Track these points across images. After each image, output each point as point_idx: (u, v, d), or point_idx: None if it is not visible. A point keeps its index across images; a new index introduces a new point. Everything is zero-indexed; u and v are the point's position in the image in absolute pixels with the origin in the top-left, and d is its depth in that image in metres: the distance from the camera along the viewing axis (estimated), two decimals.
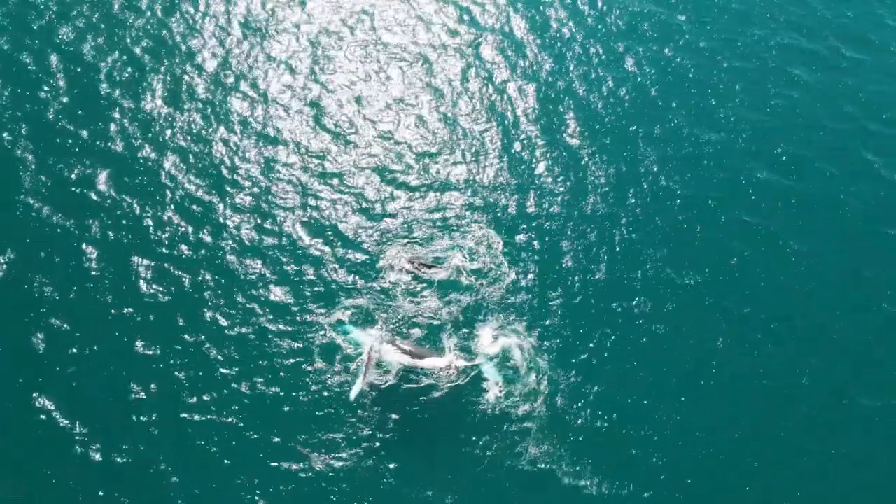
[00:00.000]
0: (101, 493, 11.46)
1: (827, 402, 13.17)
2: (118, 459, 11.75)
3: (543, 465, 12.14)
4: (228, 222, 14.62)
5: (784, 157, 16.50)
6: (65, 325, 12.96)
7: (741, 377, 13.39)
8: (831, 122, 17.15)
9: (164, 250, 14.08)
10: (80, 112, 15.83)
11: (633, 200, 15.66)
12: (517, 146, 16.31)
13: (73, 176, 14.89)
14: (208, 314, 13.35)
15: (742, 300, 14.32)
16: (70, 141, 15.35)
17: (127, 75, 16.58)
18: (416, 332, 13.33)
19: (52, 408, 12.11)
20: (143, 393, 12.41)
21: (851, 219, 15.69)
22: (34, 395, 12.17)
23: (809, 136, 16.95)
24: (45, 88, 16.07)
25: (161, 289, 13.58)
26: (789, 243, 15.17)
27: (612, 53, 18.11)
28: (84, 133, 15.50)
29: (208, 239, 14.34)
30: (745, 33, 18.83)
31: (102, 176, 14.92)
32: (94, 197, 14.65)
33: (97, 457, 11.76)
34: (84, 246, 13.93)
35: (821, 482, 12.37)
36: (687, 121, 17.01)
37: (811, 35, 18.68)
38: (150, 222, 14.41)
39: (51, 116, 15.69)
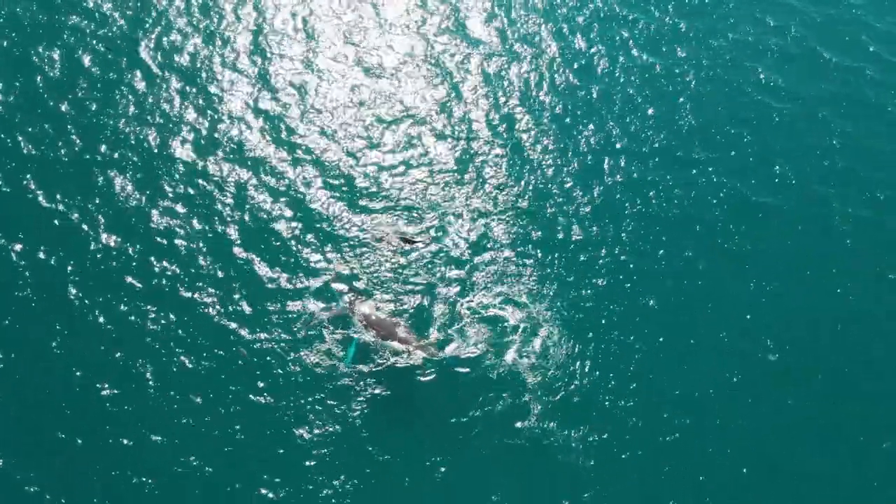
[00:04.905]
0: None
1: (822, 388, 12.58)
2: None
3: (536, 440, 11.63)
4: (216, 200, 13.98)
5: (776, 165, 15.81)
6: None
7: (750, 356, 12.78)
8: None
9: (146, 236, 13.45)
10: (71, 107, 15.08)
11: (629, 174, 15.11)
12: (510, 123, 15.67)
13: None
14: (194, 290, 12.79)
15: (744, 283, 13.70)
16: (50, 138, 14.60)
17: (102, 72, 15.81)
18: (399, 306, 12.76)
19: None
20: (122, 377, 11.85)
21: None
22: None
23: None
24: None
25: (140, 273, 12.99)
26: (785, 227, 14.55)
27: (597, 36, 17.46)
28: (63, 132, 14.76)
29: (193, 219, 13.69)
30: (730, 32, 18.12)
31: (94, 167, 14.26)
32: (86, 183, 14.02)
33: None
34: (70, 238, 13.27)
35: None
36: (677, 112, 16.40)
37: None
38: (135, 211, 13.74)
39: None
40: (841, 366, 12.81)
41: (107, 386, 11.70)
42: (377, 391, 11.91)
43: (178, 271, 12.98)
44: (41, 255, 12.95)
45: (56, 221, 13.40)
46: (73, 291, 12.60)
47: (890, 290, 13.77)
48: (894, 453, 11.88)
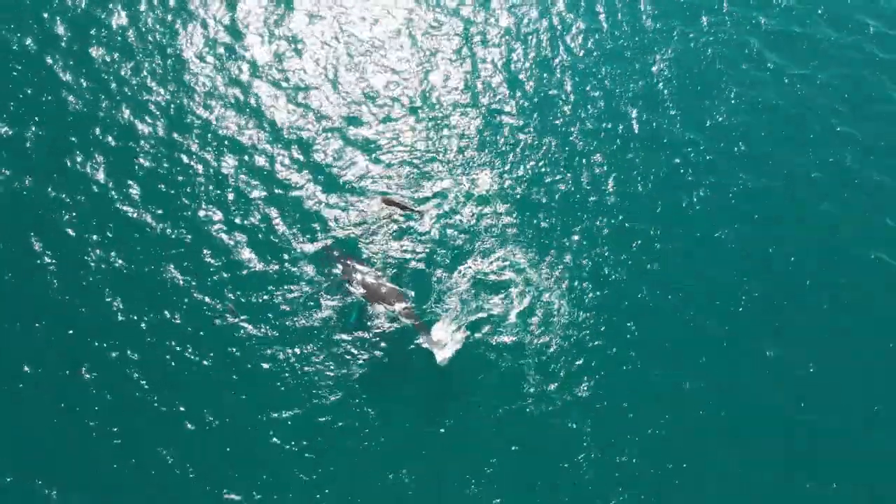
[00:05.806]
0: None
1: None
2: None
3: (533, 406, 11.76)
4: (203, 179, 13.87)
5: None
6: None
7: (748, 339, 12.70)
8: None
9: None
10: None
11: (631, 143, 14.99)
12: (502, 95, 15.51)
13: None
14: (185, 271, 12.75)
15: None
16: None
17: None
18: (396, 273, 12.82)
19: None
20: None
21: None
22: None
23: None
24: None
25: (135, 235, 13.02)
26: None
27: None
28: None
29: (181, 199, 13.59)
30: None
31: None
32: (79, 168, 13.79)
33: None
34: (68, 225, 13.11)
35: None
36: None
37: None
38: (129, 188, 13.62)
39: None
40: (838, 358, 12.66)
41: (95, 374, 11.66)
42: (378, 354, 12.08)
43: (167, 253, 12.87)
44: (19, 242, 12.79)
45: (35, 204, 13.19)
46: (54, 281, 12.46)
47: (888, 279, 13.54)
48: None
